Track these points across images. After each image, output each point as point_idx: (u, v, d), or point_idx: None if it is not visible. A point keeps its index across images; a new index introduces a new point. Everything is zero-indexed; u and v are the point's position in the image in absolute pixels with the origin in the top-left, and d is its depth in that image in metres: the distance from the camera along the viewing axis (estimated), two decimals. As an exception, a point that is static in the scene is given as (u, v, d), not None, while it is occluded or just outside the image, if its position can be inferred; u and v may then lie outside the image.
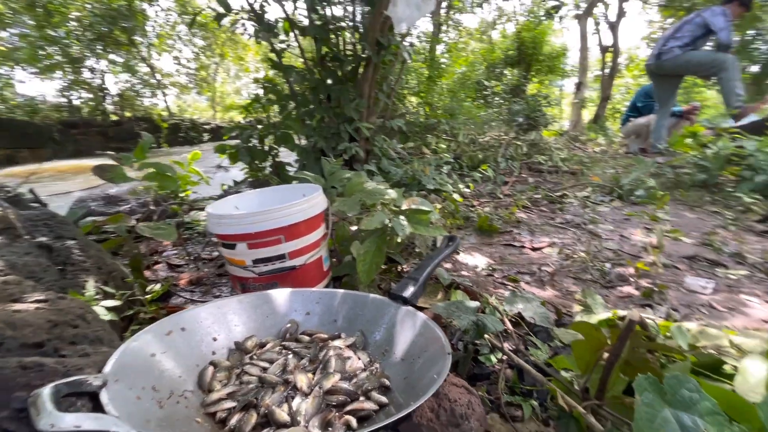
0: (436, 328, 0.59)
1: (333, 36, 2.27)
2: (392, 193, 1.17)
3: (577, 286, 1.23)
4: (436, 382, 0.45)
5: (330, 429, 0.48)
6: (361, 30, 2.20)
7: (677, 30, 2.98)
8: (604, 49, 8.20)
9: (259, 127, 2.60)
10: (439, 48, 6.30)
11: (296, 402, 0.52)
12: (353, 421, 0.49)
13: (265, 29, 2.05)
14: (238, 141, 2.52)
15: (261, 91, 2.43)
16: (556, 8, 6.76)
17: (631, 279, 1.26)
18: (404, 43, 2.37)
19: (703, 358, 0.68)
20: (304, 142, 2.51)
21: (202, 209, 2.11)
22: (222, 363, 0.60)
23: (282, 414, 0.50)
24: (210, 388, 0.55)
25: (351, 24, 2.28)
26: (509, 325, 0.91)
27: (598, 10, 7.69)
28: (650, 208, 2.10)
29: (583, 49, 7.23)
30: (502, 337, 0.90)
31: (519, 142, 3.56)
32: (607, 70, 7.91)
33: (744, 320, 1.01)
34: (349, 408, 0.52)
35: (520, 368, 0.77)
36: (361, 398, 0.53)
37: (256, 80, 2.87)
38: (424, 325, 0.61)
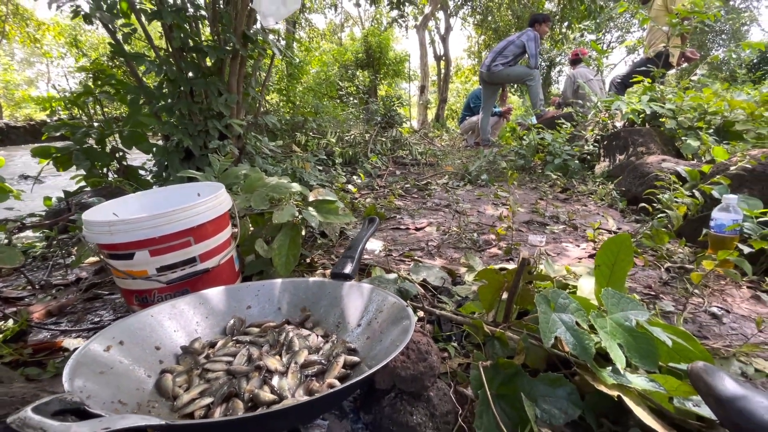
0: (385, 292, 0.67)
1: (190, 25, 2.07)
2: (297, 186, 1.19)
3: (458, 253, 1.48)
4: (410, 327, 0.54)
5: (318, 394, 0.52)
6: (225, 21, 2.06)
7: (504, 49, 3.88)
8: (438, 58, 9.49)
9: (96, 124, 2.18)
10: (294, 46, 6.26)
11: (276, 381, 0.54)
12: (336, 383, 0.54)
13: (104, 8, 1.73)
14: (67, 142, 2.08)
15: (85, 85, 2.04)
16: (401, 17, 7.51)
17: (494, 242, 1.58)
18: (271, 37, 2.32)
19: (558, 284, 0.95)
20: (157, 141, 2.23)
21: (32, 228, 1.67)
22: (176, 369, 0.56)
23: (267, 395, 0.51)
24: (174, 394, 0.51)
25: (211, 14, 2.12)
26: (421, 289, 1.05)
27: (432, 23, 8.85)
28: (493, 189, 2.61)
29: (423, 56, 8.22)
30: (417, 300, 1.05)
31: (384, 138, 3.87)
32: (442, 76, 9.17)
33: (567, 260, 1.41)
34: (327, 373, 0.56)
35: (440, 319, 0.93)
36: (335, 363, 0.58)
37: (82, 68, 2.39)
38: (372, 292, 0.69)
